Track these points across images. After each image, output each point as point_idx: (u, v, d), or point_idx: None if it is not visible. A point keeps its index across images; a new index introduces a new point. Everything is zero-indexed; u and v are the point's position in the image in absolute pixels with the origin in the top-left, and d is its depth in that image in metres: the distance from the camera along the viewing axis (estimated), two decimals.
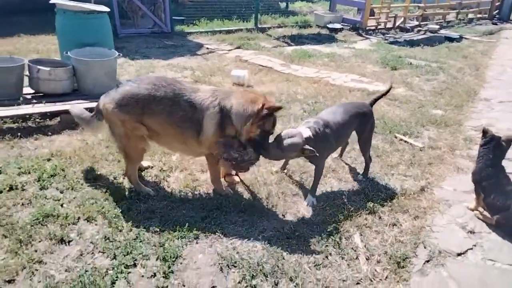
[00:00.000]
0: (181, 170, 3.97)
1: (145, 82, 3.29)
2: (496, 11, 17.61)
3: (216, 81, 6.72)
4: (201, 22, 11.66)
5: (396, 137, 4.91)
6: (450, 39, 11.78)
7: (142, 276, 2.65)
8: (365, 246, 3.05)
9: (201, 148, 3.40)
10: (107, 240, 2.93)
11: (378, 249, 3.02)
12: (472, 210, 3.47)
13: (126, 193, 3.51)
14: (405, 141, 4.82)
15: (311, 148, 3.18)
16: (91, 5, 5.94)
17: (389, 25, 13.43)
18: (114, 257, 2.78)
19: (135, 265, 2.73)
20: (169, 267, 2.71)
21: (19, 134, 4.35)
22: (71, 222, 3.10)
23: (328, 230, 3.17)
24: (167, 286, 2.59)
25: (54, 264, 2.70)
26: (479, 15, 17.01)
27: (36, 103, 4.86)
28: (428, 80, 7.59)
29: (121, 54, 5.73)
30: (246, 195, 3.64)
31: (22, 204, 3.26)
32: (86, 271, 2.64)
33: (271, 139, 3.32)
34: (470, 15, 16.74)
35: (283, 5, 16.30)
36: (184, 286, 2.61)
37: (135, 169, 3.56)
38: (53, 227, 3.01)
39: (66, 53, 5.34)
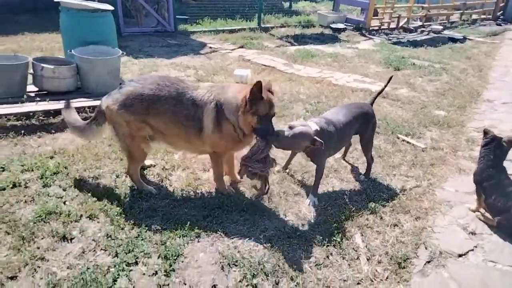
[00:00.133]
0: (183, 169, 3.98)
1: (148, 82, 3.30)
2: (501, 12, 17.53)
3: (219, 81, 6.73)
4: (205, 21, 11.67)
5: (398, 138, 4.91)
6: (454, 40, 11.75)
7: (144, 274, 2.67)
8: (366, 246, 3.05)
9: (204, 146, 3.41)
10: (109, 238, 2.95)
11: (379, 249, 3.02)
12: (474, 211, 3.47)
13: (128, 191, 3.52)
14: (407, 142, 4.82)
15: (321, 140, 3.17)
16: (95, 3, 5.96)
17: (393, 25, 13.40)
18: (116, 255, 2.79)
19: (136, 263, 2.75)
20: (171, 265, 2.73)
21: (22, 131, 4.37)
22: (74, 219, 3.12)
23: (329, 230, 3.18)
24: (168, 284, 2.60)
25: (56, 261, 2.72)
26: (483, 16, 16.94)
27: (39, 101, 4.90)
28: (431, 81, 7.57)
29: (124, 53, 5.75)
30: (248, 194, 3.64)
31: (25, 201, 3.28)
32: (88, 268, 2.65)
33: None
34: (474, 16, 16.68)
35: (286, 4, 16.29)
36: (185, 284, 2.62)
37: (138, 168, 3.57)
38: (56, 225, 3.03)
39: (70, 51, 5.37)
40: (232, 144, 3.37)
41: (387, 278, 2.76)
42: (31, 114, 4.64)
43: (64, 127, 4.60)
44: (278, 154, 4.33)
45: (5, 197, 3.28)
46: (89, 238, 2.95)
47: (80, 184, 3.56)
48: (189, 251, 2.90)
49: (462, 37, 12.10)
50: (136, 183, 3.57)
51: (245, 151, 3.39)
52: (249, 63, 8.07)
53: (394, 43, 11.11)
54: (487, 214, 3.37)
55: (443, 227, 3.30)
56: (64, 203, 3.31)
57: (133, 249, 2.84)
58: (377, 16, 13.06)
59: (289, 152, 3.99)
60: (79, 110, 4.84)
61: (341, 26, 12.34)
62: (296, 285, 2.66)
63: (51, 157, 3.95)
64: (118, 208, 3.26)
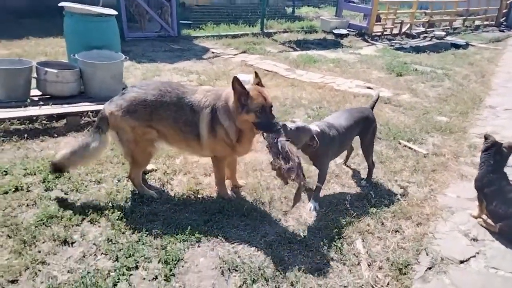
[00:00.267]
0: (184, 174, 3.99)
1: (151, 88, 3.33)
2: (503, 19, 17.57)
3: (221, 86, 6.75)
4: (208, 26, 11.73)
5: (400, 143, 4.91)
6: (456, 46, 11.76)
7: (144, 278, 2.67)
8: (367, 252, 3.04)
9: (204, 151, 3.43)
10: (110, 242, 2.95)
11: (380, 255, 3.01)
12: (476, 217, 3.46)
13: (130, 195, 3.53)
14: (409, 148, 4.82)
15: (317, 140, 3.21)
16: (98, 8, 6.01)
17: (395, 31, 13.43)
18: (116, 259, 2.79)
19: (137, 268, 2.75)
20: (171, 270, 2.72)
21: (25, 135, 4.39)
22: (75, 223, 3.12)
23: (330, 235, 3.17)
24: None
25: (57, 265, 2.72)
26: (486, 22, 16.97)
27: (43, 105, 4.92)
28: (433, 87, 7.57)
29: (127, 57, 5.78)
30: (249, 199, 3.64)
31: (27, 205, 3.29)
32: (89, 272, 2.65)
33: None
34: (477, 22, 16.71)
35: (289, 10, 16.35)
36: None
37: (140, 173, 3.58)
38: (57, 228, 3.04)
39: (73, 56, 5.40)
40: (227, 150, 3.37)
41: (388, 284, 2.75)
42: (34, 118, 4.66)
43: (67, 131, 4.64)
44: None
45: (8, 201, 3.29)
46: (90, 242, 2.95)
47: (82, 188, 3.57)
48: (190, 255, 2.90)
49: (464, 43, 12.11)
50: (137, 187, 3.58)
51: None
52: (251, 68, 8.09)
53: (397, 49, 11.13)
54: (489, 221, 3.36)
55: (445, 233, 3.29)
56: (66, 207, 3.31)
57: (133, 253, 2.84)
58: (380, 22, 13.10)
59: None
60: (82, 114, 4.91)
61: (343, 31, 12.38)
62: None
63: None
64: (119, 212, 3.25)
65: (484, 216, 3.42)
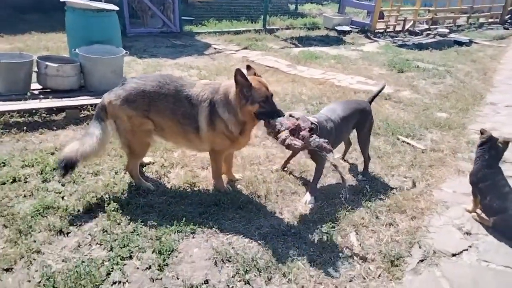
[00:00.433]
0: (182, 167, 4.01)
1: (150, 79, 3.37)
2: (508, 16, 17.42)
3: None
4: (210, 22, 11.74)
5: (398, 139, 4.90)
6: (460, 43, 11.69)
7: (137, 268, 2.70)
8: (360, 244, 3.06)
9: (202, 144, 3.45)
10: (105, 233, 2.98)
11: (373, 248, 3.02)
12: (470, 212, 3.46)
13: (126, 187, 3.55)
14: (407, 143, 4.82)
15: (316, 125, 3.30)
16: (100, 4, 6.03)
17: (398, 28, 13.38)
18: (111, 249, 2.82)
19: (131, 257, 2.78)
20: (164, 260, 2.75)
21: (25, 128, 4.43)
22: (71, 214, 3.15)
23: (324, 228, 3.19)
24: (161, 278, 2.63)
25: (52, 254, 2.76)
26: (490, 20, 16.86)
27: (43, 98, 4.96)
28: (434, 83, 7.55)
29: (128, 52, 5.81)
30: (245, 192, 3.66)
31: (24, 196, 3.33)
32: (83, 262, 2.68)
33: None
34: (481, 20, 16.60)
35: (292, 7, 16.32)
36: (178, 279, 2.64)
37: (137, 164, 3.61)
38: (53, 219, 3.07)
39: (74, 50, 5.43)
40: (226, 142, 3.38)
41: (379, 276, 2.76)
42: (34, 111, 4.70)
43: (66, 124, 4.68)
44: (277, 154, 4.37)
45: (5, 191, 3.33)
46: (85, 233, 2.99)
47: (79, 180, 3.60)
48: (184, 246, 2.92)
49: (468, 41, 12.03)
50: (135, 179, 3.61)
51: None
52: (252, 64, 8.09)
53: (399, 46, 11.10)
54: (483, 215, 3.36)
55: (438, 227, 3.29)
56: (63, 198, 3.36)
57: (128, 243, 2.87)
58: (383, 19, 13.05)
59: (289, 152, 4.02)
60: (81, 107, 4.95)
61: (346, 28, 12.35)
62: (288, 281, 2.67)
63: (52, 153, 4.00)
64: (115, 203, 3.28)
65: (479, 211, 3.42)
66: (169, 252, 2.83)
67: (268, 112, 3.14)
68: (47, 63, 5.06)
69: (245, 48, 9.60)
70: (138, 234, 2.98)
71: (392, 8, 13.35)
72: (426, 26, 14.25)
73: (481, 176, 3.29)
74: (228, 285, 2.62)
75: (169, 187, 3.66)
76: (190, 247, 2.92)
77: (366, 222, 3.31)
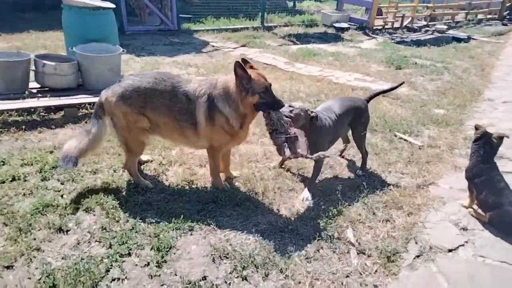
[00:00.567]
0: (180, 164, 4.03)
1: (147, 76, 3.39)
2: (507, 12, 17.41)
3: None
4: (208, 20, 11.74)
5: (395, 136, 4.92)
6: (458, 40, 11.70)
7: (136, 265, 2.72)
8: (357, 240, 3.08)
9: (200, 141, 3.46)
10: (104, 230, 3.01)
11: (370, 243, 3.05)
12: (466, 207, 3.48)
13: (125, 185, 3.58)
14: (405, 140, 4.84)
15: (315, 113, 3.40)
16: (97, 1, 6.03)
17: (397, 25, 13.38)
18: (110, 246, 2.85)
19: (129, 254, 2.80)
20: (162, 257, 2.77)
21: (23, 127, 4.45)
22: (70, 212, 3.18)
23: (321, 224, 3.21)
24: (159, 275, 2.65)
25: (52, 252, 2.78)
26: (489, 16, 16.85)
27: (41, 97, 4.97)
28: (432, 80, 7.57)
29: (125, 50, 5.82)
30: (243, 189, 3.68)
31: (24, 194, 3.35)
32: (82, 259, 2.71)
33: None
34: (480, 16, 16.60)
35: (290, 4, 16.31)
36: (176, 275, 2.66)
37: (135, 162, 3.63)
38: (52, 217, 3.09)
39: (71, 49, 5.44)
40: (226, 137, 3.40)
41: (375, 271, 2.79)
42: (32, 109, 4.72)
43: (64, 123, 4.69)
44: (275, 151, 4.37)
45: (4, 190, 3.35)
46: (84, 230, 3.01)
47: (78, 178, 3.62)
48: (182, 243, 2.95)
49: (466, 37, 12.04)
50: (133, 176, 3.63)
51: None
52: (250, 61, 8.09)
53: (397, 43, 11.10)
54: (480, 210, 3.38)
55: (435, 223, 3.32)
56: (62, 196, 3.37)
57: (126, 241, 2.90)
58: (381, 15, 13.05)
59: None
60: (79, 106, 4.96)
61: (344, 25, 12.36)
62: (285, 277, 2.69)
63: (51, 152, 4.01)
64: (114, 201, 3.31)
65: (475, 206, 3.44)
66: (167, 249, 2.85)
67: (268, 102, 3.17)
68: (45, 61, 5.07)
69: (243, 45, 9.61)
70: (136, 232, 3.00)
71: (390, 5, 13.36)
72: (425, 23, 14.25)
73: (476, 172, 3.32)
74: (225, 281, 2.64)
75: (167, 185, 3.68)
76: (188, 244, 2.95)
77: (363, 218, 3.34)
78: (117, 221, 3.11)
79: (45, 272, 2.58)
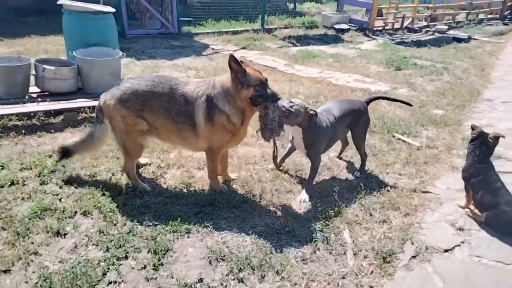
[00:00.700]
0: (178, 167, 4.05)
1: (145, 79, 3.44)
2: (508, 12, 17.38)
3: None
4: (208, 23, 11.78)
5: (394, 137, 4.93)
6: (458, 40, 11.69)
7: (133, 268, 2.74)
8: (353, 242, 3.09)
9: (199, 142, 3.47)
10: (101, 234, 3.02)
11: (366, 244, 3.05)
12: (463, 207, 3.48)
13: (123, 188, 3.59)
14: (403, 141, 4.84)
15: (315, 110, 3.48)
16: (97, 6, 6.08)
17: (397, 25, 13.38)
18: (107, 250, 2.86)
19: (126, 258, 2.81)
20: (159, 260, 2.79)
21: (23, 131, 4.48)
22: (68, 216, 3.20)
23: (318, 226, 3.22)
24: (156, 278, 2.66)
25: (49, 256, 2.80)
26: (490, 16, 16.82)
27: (40, 101, 5.01)
28: (431, 81, 7.57)
29: (125, 54, 5.86)
30: (240, 191, 3.70)
31: (22, 198, 3.37)
32: (79, 262, 2.72)
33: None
34: (481, 16, 16.57)
35: (291, 6, 16.34)
36: (172, 278, 2.68)
37: (134, 165, 3.65)
38: (50, 221, 3.11)
39: (71, 53, 5.48)
40: (226, 137, 3.43)
41: (371, 272, 2.79)
42: (32, 114, 4.76)
43: (64, 127, 4.73)
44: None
45: (3, 194, 3.38)
46: (82, 234, 3.03)
47: (77, 182, 3.65)
48: (179, 246, 2.96)
49: (467, 37, 12.03)
50: (132, 180, 3.65)
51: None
52: (250, 64, 8.12)
53: (398, 43, 11.10)
54: (476, 211, 3.39)
55: (431, 223, 3.32)
56: (60, 200, 3.40)
57: (124, 244, 2.91)
58: (382, 16, 13.06)
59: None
60: (79, 110, 5.00)
61: (344, 26, 12.36)
62: (281, 279, 2.70)
63: (50, 156, 4.03)
64: (112, 205, 3.33)
65: (472, 206, 3.44)
66: (164, 252, 2.87)
67: (264, 95, 3.20)
68: (45, 66, 5.11)
69: (243, 48, 9.65)
70: (134, 235, 3.02)
71: (391, 6, 13.37)
72: (425, 23, 14.25)
73: (473, 172, 3.32)
74: (222, 284, 2.65)
75: (165, 188, 3.70)
76: (185, 247, 2.96)
77: (359, 219, 3.34)
78: (115, 224, 3.13)
79: (42, 276, 2.60)
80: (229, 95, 3.25)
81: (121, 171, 3.80)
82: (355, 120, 3.92)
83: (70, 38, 5.99)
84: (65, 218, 3.16)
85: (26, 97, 5.00)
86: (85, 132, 3.64)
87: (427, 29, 13.67)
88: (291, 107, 3.35)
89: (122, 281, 2.63)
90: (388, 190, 3.77)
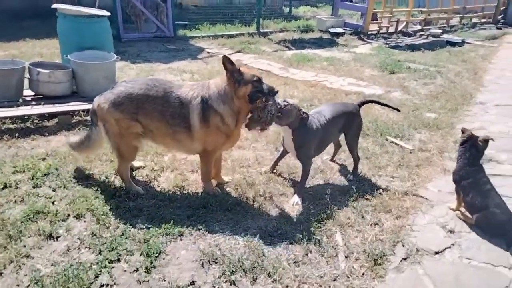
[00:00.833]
0: (172, 170, 4.06)
1: (139, 83, 3.46)
2: (501, 16, 17.53)
3: None
4: (204, 26, 11.81)
5: (387, 140, 4.96)
6: (452, 44, 11.77)
7: (125, 270, 2.74)
8: (345, 244, 3.11)
9: (193, 144, 3.49)
10: (94, 236, 3.03)
11: (358, 247, 3.07)
12: (454, 210, 3.51)
13: (116, 192, 3.60)
14: (396, 144, 4.88)
15: (306, 113, 3.57)
16: (91, 10, 6.09)
17: (391, 29, 13.46)
18: (99, 253, 2.87)
19: (119, 260, 2.82)
20: (152, 263, 2.80)
21: (17, 134, 4.48)
22: (61, 219, 3.20)
23: (310, 228, 3.24)
24: (148, 281, 2.67)
25: (41, 259, 2.80)
26: (483, 20, 16.96)
27: (34, 104, 5.01)
28: (425, 84, 7.62)
29: (119, 58, 5.87)
30: (234, 194, 3.71)
31: (15, 202, 3.38)
32: (71, 265, 2.73)
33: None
34: (474, 20, 16.70)
35: (287, 10, 16.41)
36: (164, 280, 2.69)
37: (127, 168, 3.67)
38: (43, 224, 3.12)
39: (66, 56, 5.49)
40: (221, 139, 3.45)
41: (363, 274, 2.82)
42: (26, 117, 4.76)
43: (58, 130, 4.73)
44: (266, 156, 4.43)
45: None
46: (74, 237, 3.03)
47: (70, 185, 3.65)
48: (171, 249, 2.97)
49: (460, 41, 12.12)
50: (125, 182, 3.66)
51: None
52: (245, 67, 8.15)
53: (392, 47, 11.16)
54: (467, 213, 3.42)
55: (422, 226, 3.35)
56: (53, 203, 3.40)
57: (116, 247, 2.92)
58: (376, 20, 13.14)
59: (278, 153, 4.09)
60: (74, 113, 5.00)
61: (339, 30, 12.44)
62: (273, 281, 2.72)
63: (43, 159, 4.04)
64: (105, 207, 3.34)
65: (462, 209, 3.47)
66: (157, 255, 2.88)
67: (262, 90, 3.26)
68: (39, 69, 5.11)
69: (238, 51, 9.68)
70: (126, 237, 3.03)
71: (385, 10, 13.45)
72: (419, 27, 14.34)
73: (463, 174, 3.35)
74: (214, 286, 2.66)
75: (159, 191, 3.71)
76: (178, 249, 2.97)
77: (352, 222, 3.37)
78: (107, 227, 3.14)
79: (33, 279, 2.60)
80: (224, 95, 3.29)
81: (114, 174, 3.81)
82: (348, 123, 3.95)
83: (65, 41, 6.00)
84: (58, 221, 3.17)
85: (20, 100, 5.00)
86: (83, 134, 3.71)
87: (421, 33, 13.75)
88: (285, 106, 3.38)
89: (114, 283, 2.64)
90: (380, 193, 3.79)
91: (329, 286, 2.72)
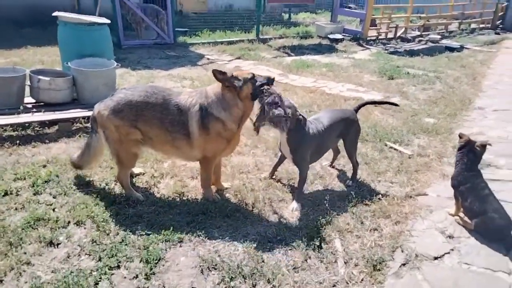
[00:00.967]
0: (171, 177, 4.08)
1: (138, 90, 3.48)
2: (500, 21, 17.64)
3: None
4: (204, 33, 11.89)
5: (386, 145, 4.98)
6: (451, 49, 11.84)
7: (125, 277, 2.75)
8: (344, 250, 3.12)
9: (193, 151, 3.51)
10: (94, 243, 3.04)
11: (357, 253, 3.08)
12: (453, 215, 3.53)
13: (116, 198, 3.61)
14: (395, 149, 4.89)
15: (304, 116, 3.58)
16: (91, 17, 6.13)
17: (390, 35, 13.53)
18: (99, 259, 2.88)
19: (118, 267, 2.83)
20: (151, 269, 2.81)
21: (18, 141, 4.50)
22: (61, 225, 3.21)
23: (309, 234, 3.24)
24: (147, 287, 2.68)
25: (42, 266, 2.81)
26: (482, 25, 17.06)
27: (35, 112, 5.03)
28: (424, 89, 7.66)
29: (119, 65, 5.90)
30: (233, 200, 3.72)
31: (16, 209, 3.39)
32: (72, 272, 2.74)
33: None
34: (473, 25, 16.79)
35: (286, 16, 16.51)
36: (164, 287, 2.69)
37: (127, 174, 3.68)
38: (43, 231, 3.13)
39: (66, 64, 5.52)
40: (222, 145, 3.47)
41: (362, 280, 2.82)
42: (27, 124, 4.78)
43: (58, 137, 4.75)
44: (266, 162, 4.45)
45: None
46: (75, 243, 3.04)
47: (70, 192, 3.66)
48: (171, 255, 2.98)
49: (459, 46, 12.19)
50: (125, 189, 3.67)
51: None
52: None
53: (391, 53, 11.23)
54: (466, 218, 3.43)
55: (421, 231, 3.36)
56: (53, 210, 3.41)
57: (116, 253, 2.92)
58: (375, 26, 13.21)
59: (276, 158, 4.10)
60: (74, 120, 5.03)
61: (338, 36, 12.51)
62: (272, 287, 2.73)
63: (44, 166, 4.06)
64: (105, 214, 3.35)
65: (461, 214, 3.49)
66: (156, 261, 2.89)
67: (262, 82, 3.32)
68: (40, 77, 5.14)
69: (238, 58, 9.73)
70: (126, 244, 3.04)
71: (384, 16, 13.52)
72: (418, 33, 14.42)
73: (461, 179, 3.37)
74: None
75: (159, 197, 3.72)
76: (177, 256, 2.98)
77: (351, 227, 3.38)
78: (107, 234, 3.15)
79: (34, 286, 2.61)
80: (224, 101, 3.32)
81: (114, 181, 3.82)
82: (346, 129, 3.97)
83: (65, 49, 6.03)
84: (58, 228, 3.18)
85: (21, 107, 5.03)
86: (83, 144, 3.74)
87: (420, 38, 13.83)
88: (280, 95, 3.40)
89: None
90: (379, 198, 3.80)
91: None
